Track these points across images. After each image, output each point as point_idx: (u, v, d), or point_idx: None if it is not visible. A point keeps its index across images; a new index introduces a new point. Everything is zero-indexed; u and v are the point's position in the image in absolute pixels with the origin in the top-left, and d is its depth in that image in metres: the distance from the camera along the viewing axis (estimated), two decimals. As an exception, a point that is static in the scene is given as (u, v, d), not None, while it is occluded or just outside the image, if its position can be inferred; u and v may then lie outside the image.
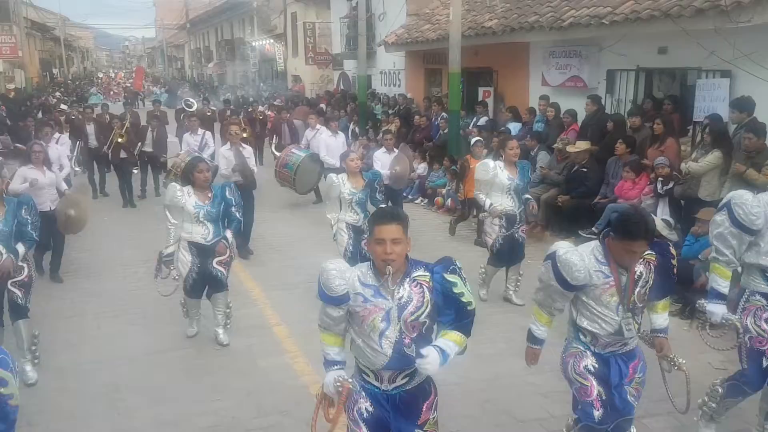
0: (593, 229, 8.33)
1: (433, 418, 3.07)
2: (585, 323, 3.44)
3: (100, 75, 63.21)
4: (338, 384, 2.98)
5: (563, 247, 3.40)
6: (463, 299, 2.91)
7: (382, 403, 3.01)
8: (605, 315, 3.38)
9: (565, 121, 9.95)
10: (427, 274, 2.91)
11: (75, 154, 11.64)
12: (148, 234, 9.18)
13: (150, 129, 12.69)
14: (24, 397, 4.44)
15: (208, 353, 5.82)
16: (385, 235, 2.79)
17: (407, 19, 16.71)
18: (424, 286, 2.89)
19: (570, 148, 9.14)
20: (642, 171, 8.09)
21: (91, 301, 7.22)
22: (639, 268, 3.36)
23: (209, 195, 5.76)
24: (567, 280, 3.32)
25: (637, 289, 3.36)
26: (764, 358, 3.86)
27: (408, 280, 2.89)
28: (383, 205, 5.93)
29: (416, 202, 12.25)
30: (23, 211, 5.28)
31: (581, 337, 3.52)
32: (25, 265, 5.34)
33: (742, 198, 3.82)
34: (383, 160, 9.06)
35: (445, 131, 12.57)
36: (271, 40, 30.99)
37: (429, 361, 2.80)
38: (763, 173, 6.39)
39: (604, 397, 3.42)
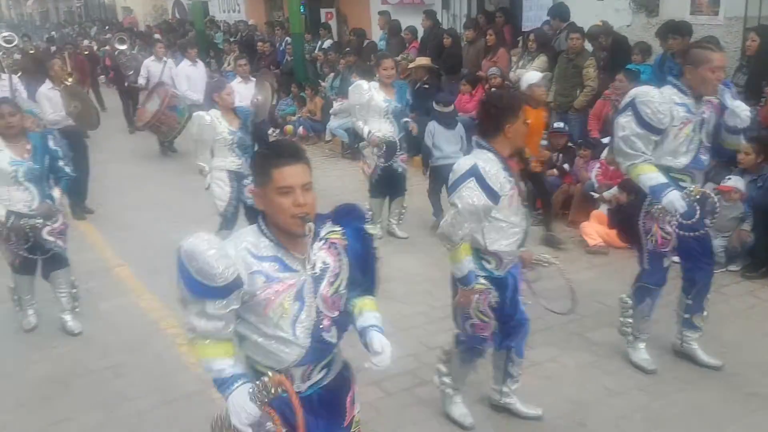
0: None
1: (358, 413, 2.42)
2: (495, 245, 3.19)
3: None
4: (270, 388, 2.06)
5: (474, 160, 3.11)
6: (377, 255, 2.36)
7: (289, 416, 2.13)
8: (514, 222, 3.21)
9: (406, 38, 10.00)
10: (337, 228, 2.23)
11: None
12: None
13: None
14: None
15: (45, 303, 5.38)
16: (292, 181, 2.03)
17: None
18: (339, 246, 2.23)
19: (409, 65, 9.23)
20: (477, 83, 8.36)
21: None
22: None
23: (27, 147, 4.58)
24: (494, 190, 3.05)
25: None
26: (665, 259, 3.83)
27: (316, 240, 2.18)
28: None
29: (268, 132, 11.92)
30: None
31: (486, 265, 3.24)
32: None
33: (648, 95, 3.53)
34: (241, 92, 7.74)
35: (291, 57, 12.23)
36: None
37: (387, 355, 2.21)
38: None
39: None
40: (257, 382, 2.09)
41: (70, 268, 4.93)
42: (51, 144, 4.70)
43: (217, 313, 2.08)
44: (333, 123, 10.04)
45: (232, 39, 15.16)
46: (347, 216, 2.27)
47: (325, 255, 2.19)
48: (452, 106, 6.60)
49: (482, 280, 3.22)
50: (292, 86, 11.57)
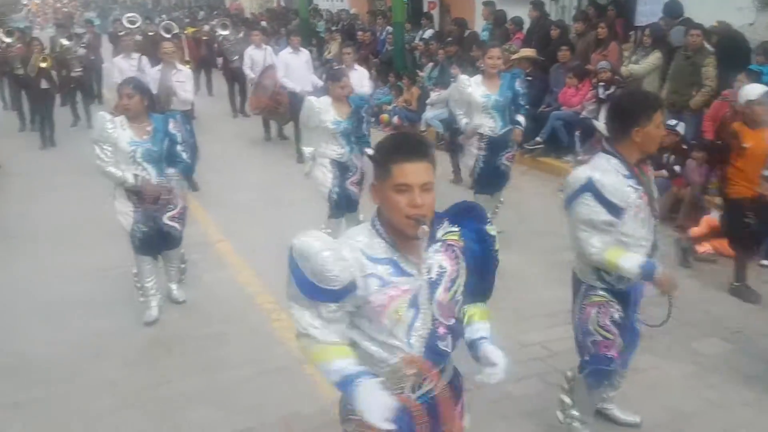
0: (537, 138, 8.38)
1: (468, 423, 2.25)
2: None
3: (25, 2, 58.91)
4: (400, 372, 1.97)
5: (590, 172, 2.84)
6: (497, 259, 2.20)
7: (403, 423, 1.98)
8: (640, 236, 2.93)
9: (510, 29, 9.81)
10: (455, 229, 2.07)
11: None
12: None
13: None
14: None
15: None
16: (412, 179, 1.87)
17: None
18: (457, 249, 2.06)
19: (513, 56, 9.04)
20: (585, 77, 8.08)
21: (23, 221, 6.94)
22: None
23: (148, 129, 4.58)
24: (614, 204, 2.80)
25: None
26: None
27: (432, 243, 2.02)
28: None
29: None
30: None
31: (605, 276, 3.00)
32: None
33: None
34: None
35: (391, 47, 12.28)
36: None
37: (502, 368, 2.08)
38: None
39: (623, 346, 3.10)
40: (386, 370, 1.97)
41: (182, 245, 5.07)
42: (171, 127, 4.65)
43: (330, 316, 1.95)
44: (428, 113, 9.98)
45: (333, 28, 15.38)
46: (465, 215, 2.10)
47: (441, 258, 2.02)
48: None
49: (601, 293, 3.03)
50: (390, 75, 11.60)
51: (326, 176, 5.51)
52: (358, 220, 5.58)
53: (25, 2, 57.08)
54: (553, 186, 7.67)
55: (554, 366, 4.02)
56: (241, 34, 13.20)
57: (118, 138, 4.49)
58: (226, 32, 12.89)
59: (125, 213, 4.64)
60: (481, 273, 2.14)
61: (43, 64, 10.43)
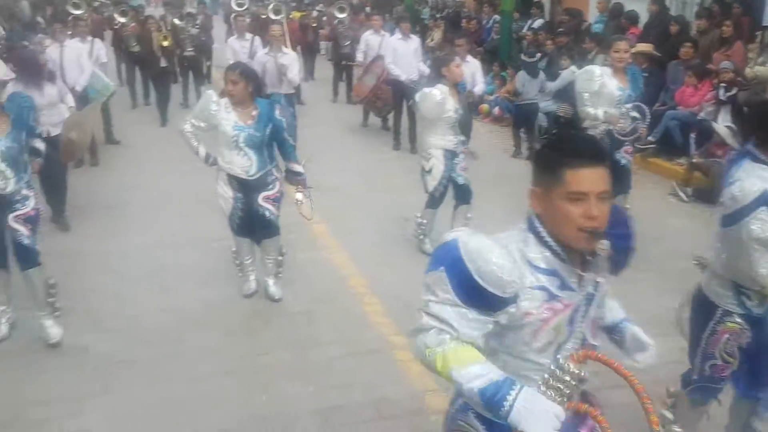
0: (650, 138, 7.98)
1: None
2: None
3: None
4: (569, 371, 1.74)
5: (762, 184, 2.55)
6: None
7: None
8: None
9: (623, 23, 9.38)
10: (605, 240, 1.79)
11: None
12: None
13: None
14: (65, 279, 4.72)
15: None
16: (588, 187, 1.69)
17: None
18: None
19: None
20: (705, 77, 7.62)
21: (136, 192, 7.34)
22: None
23: (253, 113, 4.52)
24: None
25: None
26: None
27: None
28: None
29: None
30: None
31: (746, 301, 2.77)
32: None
33: None
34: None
35: (497, 35, 12.07)
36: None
37: (654, 352, 1.98)
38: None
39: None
40: (548, 373, 1.76)
41: (280, 236, 4.92)
42: (277, 113, 4.56)
43: (479, 319, 1.75)
44: (542, 103, 9.66)
45: (438, 15, 15.28)
46: (615, 226, 1.84)
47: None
48: (536, 57, 9.07)
49: (738, 320, 2.80)
50: (494, 65, 11.40)
51: (438, 169, 5.46)
52: (466, 216, 5.55)
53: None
54: (663, 189, 7.34)
55: (656, 377, 3.84)
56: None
57: (221, 120, 4.48)
58: (343, 15, 12.53)
59: (225, 198, 4.70)
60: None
61: (165, 43, 10.53)
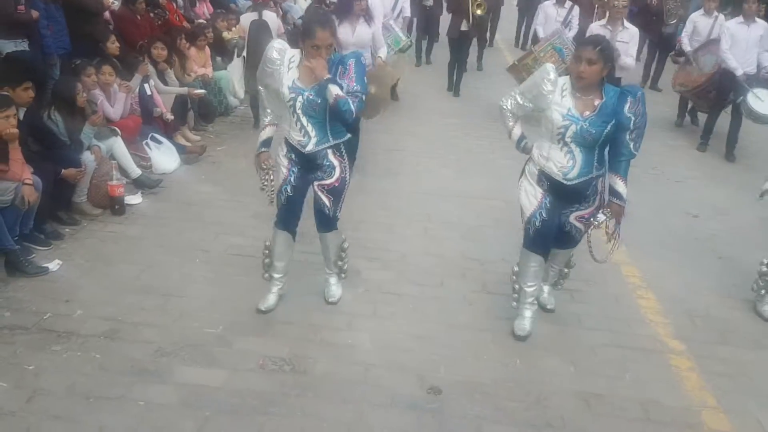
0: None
1: None
2: None
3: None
4: None
5: None
6: None
7: None
8: None
9: None
10: None
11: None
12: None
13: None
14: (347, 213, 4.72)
15: (513, 207, 5.69)
16: None
17: None
18: None
19: None
20: None
21: (411, 139, 7.61)
22: None
23: (595, 103, 3.44)
24: None
25: None
26: None
27: None
28: None
29: None
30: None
31: None
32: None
33: None
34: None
35: None
36: None
37: None
38: None
39: None
40: None
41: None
42: (627, 108, 3.40)
43: None
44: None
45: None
46: None
47: None
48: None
49: None
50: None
51: None
52: None
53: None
54: None
55: None
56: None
57: (551, 105, 3.48)
58: None
59: (533, 194, 3.71)
60: None
61: (478, 11, 9.50)
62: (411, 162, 6.86)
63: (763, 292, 4.27)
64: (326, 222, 3.92)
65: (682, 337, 4.00)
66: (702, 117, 8.52)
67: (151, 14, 7.71)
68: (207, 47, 7.90)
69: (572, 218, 3.73)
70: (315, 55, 3.45)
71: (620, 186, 3.52)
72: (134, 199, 5.44)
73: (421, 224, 5.36)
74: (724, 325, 4.18)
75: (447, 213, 5.60)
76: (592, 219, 3.66)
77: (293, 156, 3.77)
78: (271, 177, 3.82)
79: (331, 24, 3.56)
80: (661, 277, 4.69)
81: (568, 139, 3.46)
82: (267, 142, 3.84)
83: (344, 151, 3.82)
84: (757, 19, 7.32)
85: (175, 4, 8.55)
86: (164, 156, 6.18)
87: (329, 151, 3.74)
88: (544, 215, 3.64)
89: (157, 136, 6.28)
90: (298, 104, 3.59)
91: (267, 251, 4.04)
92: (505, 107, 3.73)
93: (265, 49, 3.64)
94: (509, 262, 4.62)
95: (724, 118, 7.79)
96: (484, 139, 7.66)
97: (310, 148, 3.69)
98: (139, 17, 7.30)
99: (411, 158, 6.97)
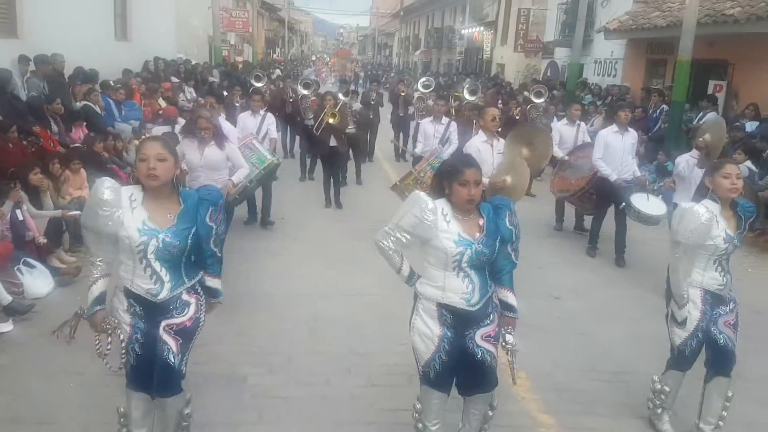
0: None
1: None
2: None
3: (314, 58, 67.29)
4: None
5: None
6: None
7: None
8: None
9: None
10: None
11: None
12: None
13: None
14: (231, 320, 5.05)
15: (396, 300, 5.99)
16: None
17: (633, 6, 15.92)
18: None
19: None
20: None
21: (296, 244, 7.83)
22: None
23: (480, 223, 3.31)
24: None
25: None
26: None
27: None
28: None
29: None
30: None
31: None
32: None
33: None
34: None
35: (665, 125, 11.75)
36: (481, 28, 30.95)
37: None
38: None
39: None
40: None
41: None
42: (507, 221, 3.37)
43: None
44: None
45: (599, 102, 15.14)
46: None
47: None
48: None
49: None
50: (659, 154, 11.06)
51: (694, 318, 3.86)
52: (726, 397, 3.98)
53: (313, 58, 65.60)
54: None
55: None
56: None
57: (439, 234, 3.23)
58: (540, 100, 11.62)
59: (427, 336, 3.37)
60: None
61: (331, 120, 9.54)
62: (297, 265, 7.04)
63: (659, 411, 4.13)
64: (167, 379, 3.15)
65: (551, 411, 4.30)
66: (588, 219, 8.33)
67: (24, 142, 7.72)
68: (82, 170, 7.89)
69: (479, 339, 3.37)
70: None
71: (511, 299, 3.43)
72: (5, 327, 5.22)
73: (307, 324, 5.49)
74: (588, 397, 4.53)
75: (333, 311, 5.77)
76: (502, 342, 3.43)
77: (137, 308, 3.19)
78: (110, 340, 3.21)
79: None
80: (530, 356, 5.03)
81: (464, 265, 3.26)
82: (101, 299, 3.24)
83: (200, 289, 3.32)
84: (629, 128, 7.48)
85: (49, 131, 8.58)
86: (37, 280, 6.00)
87: (183, 292, 3.24)
88: (443, 357, 3.33)
89: (30, 260, 6.12)
90: (151, 248, 3.07)
91: (122, 419, 3.39)
92: (384, 245, 3.40)
93: (92, 188, 3.15)
94: (394, 353, 4.84)
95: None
96: (368, 240, 7.83)
97: (163, 295, 3.15)
98: (11, 145, 7.37)
99: (297, 262, 7.16)
